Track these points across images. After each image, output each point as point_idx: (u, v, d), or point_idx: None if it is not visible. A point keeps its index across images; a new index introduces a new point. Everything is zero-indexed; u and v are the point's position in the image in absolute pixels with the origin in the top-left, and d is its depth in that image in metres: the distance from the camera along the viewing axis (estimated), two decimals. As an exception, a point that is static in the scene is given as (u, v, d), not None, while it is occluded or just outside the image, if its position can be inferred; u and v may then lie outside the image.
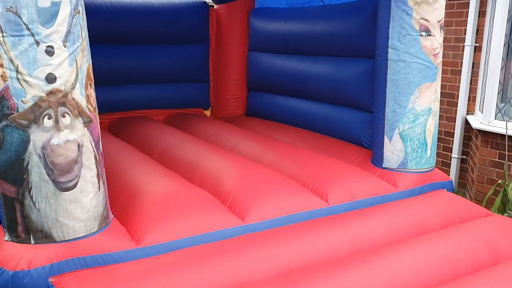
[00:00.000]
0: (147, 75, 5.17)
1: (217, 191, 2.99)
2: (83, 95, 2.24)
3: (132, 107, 5.18)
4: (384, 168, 3.46)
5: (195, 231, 2.51)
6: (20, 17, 2.01)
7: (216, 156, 3.49)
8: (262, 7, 5.33)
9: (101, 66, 4.82)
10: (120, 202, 2.81)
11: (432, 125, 3.42)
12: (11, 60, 2.04)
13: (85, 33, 2.28)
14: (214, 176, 3.14)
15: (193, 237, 2.49)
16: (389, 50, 3.31)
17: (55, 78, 2.12)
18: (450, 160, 5.41)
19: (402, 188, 3.30)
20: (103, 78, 4.90)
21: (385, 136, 3.43)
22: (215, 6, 5.56)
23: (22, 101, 2.09)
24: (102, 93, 4.94)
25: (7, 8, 1.99)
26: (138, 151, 3.81)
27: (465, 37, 5.12)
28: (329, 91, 4.28)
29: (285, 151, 3.72)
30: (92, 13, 4.70)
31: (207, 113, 5.72)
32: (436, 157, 4.92)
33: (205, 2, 5.37)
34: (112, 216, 2.53)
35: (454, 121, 5.31)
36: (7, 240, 2.23)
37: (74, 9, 2.16)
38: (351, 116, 4.09)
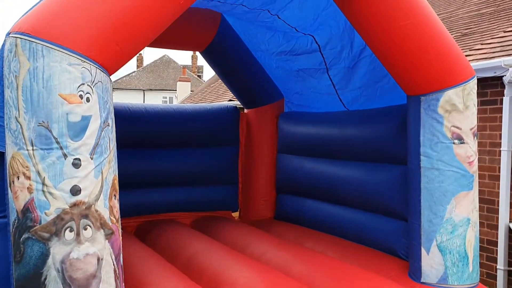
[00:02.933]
0: (176, 178, 5.20)
1: (241, 307, 2.81)
2: (107, 207, 2.21)
3: (160, 210, 5.14)
4: (423, 283, 3.21)
5: None
6: (51, 131, 2.06)
7: (242, 267, 3.33)
8: (291, 111, 5.43)
9: (132, 170, 4.91)
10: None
11: (472, 236, 3.20)
12: (38, 173, 2.05)
13: (113, 144, 2.30)
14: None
15: None
16: (422, 157, 3.23)
17: (80, 190, 2.10)
18: (496, 272, 5.02)
19: (444, 306, 3.03)
20: (133, 181, 4.95)
21: (422, 248, 3.23)
22: (246, 110, 5.70)
23: (45, 213, 2.07)
24: (131, 197, 4.99)
25: (39, 123, 2.05)
26: (162, 259, 3.68)
27: (500, 142, 5.01)
28: (360, 196, 4.15)
29: (315, 262, 3.53)
30: (127, 118, 4.88)
31: (235, 215, 5.62)
32: (480, 267, 4.58)
33: (235, 106, 5.53)
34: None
35: (496, 229, 5.02)
36: None
37: (104, 122, 2.21)
38: (384, 223, 3.91)
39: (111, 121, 2.30)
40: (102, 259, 2.16)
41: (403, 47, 3.06)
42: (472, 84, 3.19)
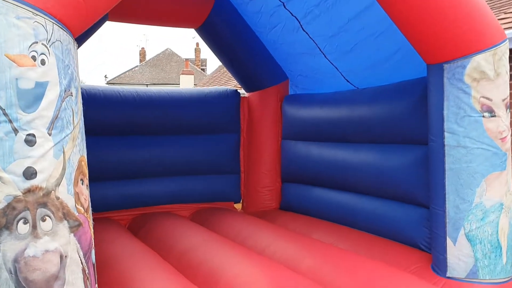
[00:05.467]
0: (173, 167, 4.81)
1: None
2: (71, 193, 1.82)
3: (156, 202, 4.76)
4: (449, 278, 2.80)
5: None
6: (-5, 100, 1.66)
7: (243, 261, 2.94)
8: (296, 93, 5.01)
9: (125, 158, 4.54)
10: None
11: (506, 223, 2.79)
12: (-19, 152, 1.66)
13: (78, 119, 1.91)
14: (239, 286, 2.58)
15: None
16: (446, 134, 2.81)
17: (35, 173, 1.71)
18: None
19: (474, 305, 2.62)
20: (126, 171, 4.58)
21: (447, 238, 2.81)
22: (247, 94, 5.29)
23: (-8, 202, 1.68)
24: (125, 188, 4.62)
25: (-20, 90, 1.65)
26: (155, 254, 3.30)
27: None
28: (375, 182, 3.74)
29: (325, 255, 3.13)
30: (118, 103, 4.49)
31: (238, 207, 5.23)
32: None
33: (236, 90, 5.12)
34: None
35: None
36: None
37: (65, 90, 1.81)
38: (402, 211, 3.50)
39: (76, 91, 1.90)
40: (66, 256, 1.77)
41: (423, 5, 2.63)
42: (504, 48, 2.75)
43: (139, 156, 4.65)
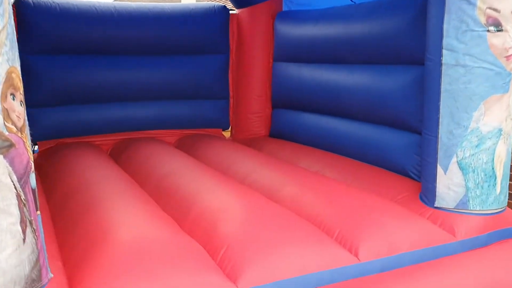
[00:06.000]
0: (157, 90, 4.53)
1: (209, 239, 2.25)
2: (-2, 110, 1.58)
3: (140, 127, 4.54)
4: (436, 207, 2.61)
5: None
6: None
7: (219, 188, 2.76)
8: (290, 10, 4.61)
9: (105, 80, 4.28)
10: (78, 251, 2.12)
11: (503, 151, 2.55)
12: None
13: (4, 22, 1.62)
14: (209, 217, 2.41)
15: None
16: (444, 52, 2.49)
17: (-51, 85, 1.46)
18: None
19: (461, 236, 2.45)
20: (106, 93, 4.34)
21: (438, 166, 2.59)
22: (236, 11, 4.89)
23: None
24: (107, 111, 4.39)
25: None
26: (130, 180, 3.13)
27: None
28: (367, 106, 3.47)
29: (307, 183, 2.94)
30: (94, 19, 4.15)
31: (227, 134, 5.02)
32: (510, 189, 3.96)
33: (224, 6, 4.71)
34: (51, 276, 1.82)
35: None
36: None
37: (-19, -15, 1.51)
38: (394, 138, 3.26)
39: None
40: (-5, 180, 1.56)
41: None
42: (517, -51, 2.37)
43: (121, 77, 4.38)
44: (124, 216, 2.34)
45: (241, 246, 2.10)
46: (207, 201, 2.56)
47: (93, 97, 4.28)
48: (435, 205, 2.62)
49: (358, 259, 2.17)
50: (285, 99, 4.55)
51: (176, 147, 4.41)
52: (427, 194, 2.68)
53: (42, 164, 3.70)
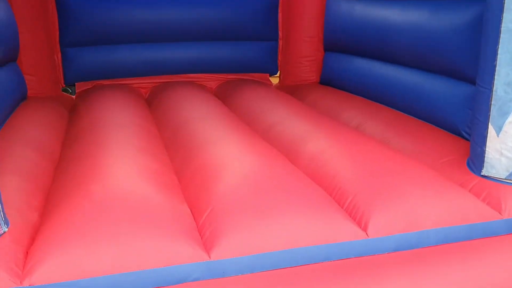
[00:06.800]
0: (199, 30, 4.23)
1: (198, 198, 2.00)
2: None
3: (179, 69, 4.30)
4: (484, 176, 2.14)
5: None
6: None
7: (228, 142, 2.47)
8: None
9: (144, 17, 4.08)
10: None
11: None
12: None
13: None
14: (204, 174, 2.15)
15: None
16: (508, -21, 1.93)
17: None
18: None
19: (509, 214, 1.97)
20: (145, 33, 4.13)
21: (489, 125, 2.09)
22: None
23: None
24: (145, 52, 4.19)
25: None
26: (144, 127, 2.91)
27: None
28: (420, 48, 2.94)
29: (334, 139, 2.53)
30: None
31: (275, 80, 4.65)
32: None
33: None
34: (7, 226, 1.67)
35: None
36: None
37: None
38: (446, 88, 2.74)
39: None
40: None
41: None
42: None
43: (161, 16, 4.11)
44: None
45: (225, 210, 1.82)
46: (209, 155, 2.30)
47: (131, 37, 4.09)
48: (482, 173, 2.14)
49: (366, 234, 1.81)
50: (337, 41, 4.07)
51: (215, 93, 4.16)
52: (475, 160, 2.20)
53: (78, 104, 3.64)
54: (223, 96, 3.95)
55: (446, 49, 2.70)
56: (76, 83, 4.05)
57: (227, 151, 2.33)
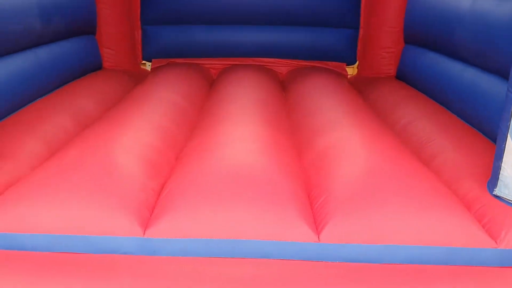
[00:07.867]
0: (274, 14, 4.15)
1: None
2: None
3: (251, 53, 4.28)
4: (495, 196, 1.79)
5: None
6: None
7: (247, 126, 2.45)
8: None
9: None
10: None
11: None
12: None
13: None
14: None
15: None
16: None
17: None
18: None
19: (506, 244, 1.63)
20: (221, 14, 4.20)
21: (508, 137, 1.74)
22: None
23: None
24: (219, 33, 4.27)
25: None
26: (185, 109, 2.97)
27: None
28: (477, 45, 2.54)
29: (355, 130, 2.36)
30: None
31: (351, 71, 4.38)
32: None
33: None
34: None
35: None
36: None
37: None
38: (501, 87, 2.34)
39: None
40: None
41: None
42: None
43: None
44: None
45: (180, 191, 1.81)
46: (227, 133, 2.37)
47: (207, 18, 4.19)
48: (494, 193, 1.79)
49: (318, 238, 1.65)
50: (415, 33, 3.70)
51: (283, 80, 4.08)
52: (492, 176, 1.85)
53: (148, 78, 3.84)
54: (285, 84, 3.86)
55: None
56: (152, 60, 4.29)
57: (241, 131, 2.36)
